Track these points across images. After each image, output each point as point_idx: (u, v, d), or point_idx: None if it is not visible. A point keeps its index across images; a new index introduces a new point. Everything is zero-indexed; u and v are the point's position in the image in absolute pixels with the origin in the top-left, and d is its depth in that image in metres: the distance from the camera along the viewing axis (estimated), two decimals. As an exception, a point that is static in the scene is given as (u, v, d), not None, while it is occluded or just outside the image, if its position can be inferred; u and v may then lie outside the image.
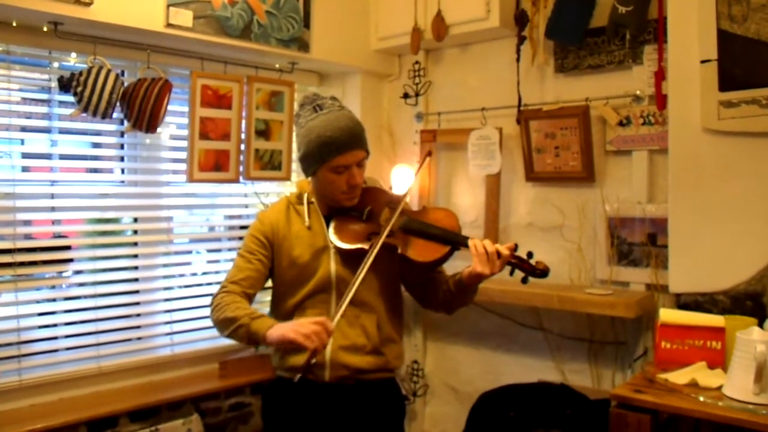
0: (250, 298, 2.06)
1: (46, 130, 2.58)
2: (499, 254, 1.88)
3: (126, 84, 2.54)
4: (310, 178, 2.15)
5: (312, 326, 1.81)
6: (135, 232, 2.87)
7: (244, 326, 1.90)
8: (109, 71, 2.46)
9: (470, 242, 1.92)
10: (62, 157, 2.64)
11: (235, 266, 2.09)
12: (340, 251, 2.04)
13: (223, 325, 1.97)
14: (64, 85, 2.42)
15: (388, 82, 3.50)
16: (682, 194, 2.37)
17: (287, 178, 3.14)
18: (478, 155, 3.03)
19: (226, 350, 3.00)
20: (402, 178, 3.21)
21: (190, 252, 3.09)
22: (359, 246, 2.01)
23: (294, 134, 2.20)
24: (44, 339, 2.58)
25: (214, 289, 2.99)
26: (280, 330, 1.84)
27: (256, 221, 2.14)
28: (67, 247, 2.66)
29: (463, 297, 2.06)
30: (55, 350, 2.60)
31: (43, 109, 2.58)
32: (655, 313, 2.47)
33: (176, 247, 2.97)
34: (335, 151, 1.97)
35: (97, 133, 2.78)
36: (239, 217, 3.22)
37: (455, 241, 1.97)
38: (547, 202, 2.95)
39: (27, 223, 2.55)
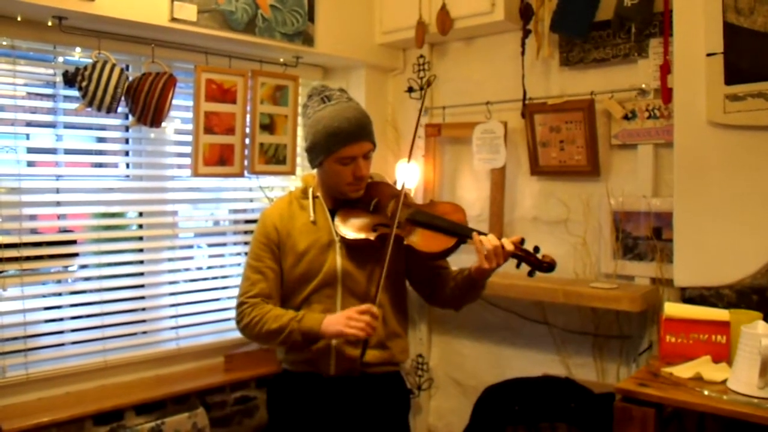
0: None
1: (51, 125, 2.59)
2: (503, 247, 1.88)
3: (131, 78, 2.55)
4: (315, 173, 2.16)
5: (363, 317, 1.89)
6: (140, 226, 2.89)
7: (294, 331, 1.97)
8: (113, 66, 2.46)
9: (474, 237, 1.92)
10: (67, 151, 2.65)
11: (246, 279, 2.09)
12: (345, 242, 2.04)
13: (270, 337, 2.01)
14: (69, 80, 2.42)
15: (392, 76, 3.50)
16: (687, 188, 2.37)
17: (292, 172, 3.14)
18: (483, 149, 3.03)
19: (232, 344, 3.01)
20: (406, 171, 3.20)
21: (196, 246, 3.10)
22: (365, 236, 2.01)
23: (301, 125, 2.20)
24: (50, 333, 2.59)
25: (220, 283, 3.08)
26: (334, 327, 1.92)
27: (259, 223, 2.13)
28: (73, 242, 2.67)
29: (472, 292, 2.06)
30: (62, 344, 2.61)
31: (48, 104, 2.59)
32: (660, 307, 2.47)
33: (181, 241, 2.98)
34: (343, 142, 1.97)
35: (102, 128, 2.78)
36: (244, 211, 3.22)
37: (462, 234, 1.97)
38: (552, 196, 2.95)
39: (32, 217, 2.56)
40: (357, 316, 1.90)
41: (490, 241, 1.89)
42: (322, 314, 1.98)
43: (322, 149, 2.00)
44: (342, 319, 1.91)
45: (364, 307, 1.92)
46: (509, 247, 1.89)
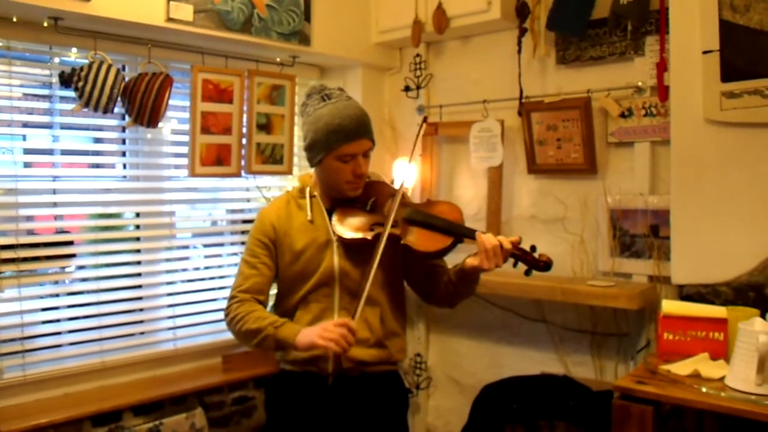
0: (262, 304, 2.08)
1: (48, 126, 2.59)
2: (501, 247, 1.88)
3: (127, 79, 2.54)
4: (312, 172, 2.16)
5: (337, 329, 1.84)
6: (137, 227, 2.88)
7: (270, 336, 1.94)
8: (110, 66, 2.46)
9: (478, 236, 1.92)
10: (64, 152, 2.64)
11: (240, 274, 2.10)
12: (343, 242, 2.04)
13: (247, 336, 2.00)
14: (65, 81, 2.42)
15: (389, 75, 3.50)
16: (684, 185, 2.37)
17: (289, 172, 3.14)
18: (480, 148, 3.03)
19: (229, 344, 3.00)
20: (404, 170, 3.21)
21: (192, 246, 3.09)
22: (362, 236, 2.01)
23: (300, 124, 2.20)
24: (48, 334, 2.58)
25: (217, 283, 3.07)
26: (307, 337, 1.88)
27: (257, 221, 2.13)
28: (70, 243, 2.66)
29: (465, 287, 2.06)
30: (59, 345, 2.61)
31: (45, 105, 2.58)
32: (658, 304, 2.47)
33: (178, 241, 2.97)
34: (343, 139, 1.97)
35: (99, 129, 2.78)
36: (241, 211, 3.22)
37: (459, 233, 1.96)
38: (550, 195, 2.95)
39: (29, 218, 2.56)
40: (332, 328, 1.86)
41: (490, 240, 1.89)
42: (301, 326, 1.96)
43: (322, 146, 2.00)
44: (317, 330, 1.88)
45: (342, 320, 1.90)
46: (507, 246, 1.89)
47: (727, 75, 2.21)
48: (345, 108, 2.00)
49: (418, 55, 3.32)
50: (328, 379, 1.99)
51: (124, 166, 2.85)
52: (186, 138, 2.81)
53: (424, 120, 2.28)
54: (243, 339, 2.04)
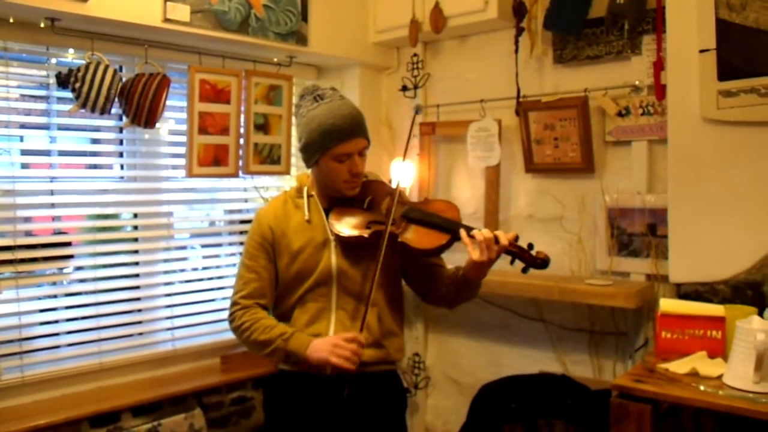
0: (265, 308, 2.09)
1: (45, 127, 2.58)
2: (496, 241, 1.88)
3: (124, 79, 2.54)
4: (309, 172, 2.15)
5: (349, 346, 1.90)
6: (135, 227, 2.88)
7: (279, 349, 1.97)
8: (107, 67, 2.45)
9: (461, 231, 1.92)
10: (61, 153, 2.64)
11: (240, 278, 2.10)
12: (340, 240, 2.04)
13: (256, 347, 2.03)
14: (63, 82, 2.42)
15: (386, 75, 3.50)
16: (681, 184, 2.37)
17: (286, 172, 3.14)
18: (478, 147, 3.03)
19: (228, 345, 3.00)
20: (401, 170, 3.20)
21: (190, 247, 3.09)
22: (359, 233, 2.01)
23: (295, 125, 2.19)
24: (46, 335, 2.58)
25: (216, 283, 3.07)
26: (319, 353, 1.92)
27: (254, 223, 2.13)
28: (68, 244, 2.66)
29: (466, 292, 2.06)
30: (57, 346, 2.61)
31: (42, 106, 2.58)
32: (656, 303, 2.47)
33: (176, 242, 2.97)
34: (337, 139, 1.97)
35: (96, 129, 2.78)
36: (239, 211, 3.22)
37: (456, 230, 1.96)
38: (547, 194, 2.95)
39: (27, 219, 2.56)
40: (343, 344, 1.90)
41: (483, 233, 1.89)
42: (310, 337, 1.98)
43: (317, 147, 2.00)
44: (328, 346, 1.91)
45: (351, 335, 1.93)
46: (503, 241, 1.89)
47: (723, 73, 2.21)
48: (338, 108, 2.00)
49: (415, 54, 3.32)
50: (343, 392, 1.95)
51: (122, 167, 2.85)
52: (183, 138, 2.80)
53: (416, 112, 2.28)
54: (252, 349, 2.06)
